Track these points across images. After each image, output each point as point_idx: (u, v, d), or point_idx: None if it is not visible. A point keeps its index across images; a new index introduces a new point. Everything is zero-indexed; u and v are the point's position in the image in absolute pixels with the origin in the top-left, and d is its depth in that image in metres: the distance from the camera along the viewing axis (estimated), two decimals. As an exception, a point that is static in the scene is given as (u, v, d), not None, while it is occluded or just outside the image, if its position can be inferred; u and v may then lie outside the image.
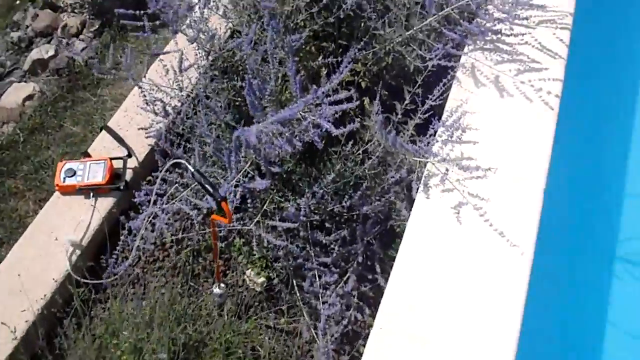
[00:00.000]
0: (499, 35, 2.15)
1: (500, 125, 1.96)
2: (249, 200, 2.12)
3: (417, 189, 1.84)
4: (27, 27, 3.84)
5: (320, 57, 2.42)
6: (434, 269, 1.69)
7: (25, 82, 3.59)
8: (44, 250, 2.20)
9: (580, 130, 2.56)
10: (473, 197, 1.79)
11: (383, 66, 2.39)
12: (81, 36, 3.77)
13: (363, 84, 2.48)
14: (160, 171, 1.89)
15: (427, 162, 1.87)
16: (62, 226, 2.27)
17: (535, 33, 2.17)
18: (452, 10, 2.04)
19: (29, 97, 3.45)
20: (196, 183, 1.89)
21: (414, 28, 2.19)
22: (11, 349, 1.96)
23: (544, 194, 1.79)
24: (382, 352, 1.56)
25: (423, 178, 1.86)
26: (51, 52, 3.65)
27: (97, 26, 3.77)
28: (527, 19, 2.13)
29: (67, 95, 3.44)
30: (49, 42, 3.76)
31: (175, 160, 1.85)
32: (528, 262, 1.66)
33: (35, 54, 3.64)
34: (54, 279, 2.14)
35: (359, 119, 2.41)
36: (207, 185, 1.72)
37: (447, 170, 1.82)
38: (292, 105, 1.90)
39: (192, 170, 1.75)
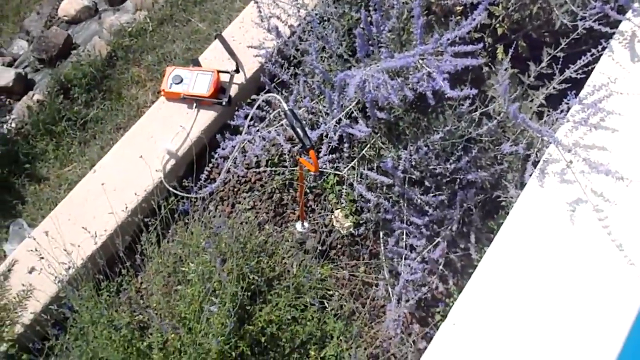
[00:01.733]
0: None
1: (652, 114, 1.64)
2: (346, 144, 1.99)
3: (531, 174, 1.60)
4: None
5: (457, -7, 2.15)
6: (529, 270, 1.49)
7: (163, -30, 3.56)
8: (141, 153, 2.22)
9: None
10: (596, 197, 1.53)
11: (526, 14, 2.07)
12: None
13: (499, 30, 2.18)
14: (254, 106, 1.79)
15: (550, 144, 1.61)
16: (162, 132, 2.28)
17: None
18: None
19: (163, -13, 3.44)
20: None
21: (572, -24, 1.84)
22: (91, 252, 2.03)
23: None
24: (450, 350, 1.42)
25: (541, 162, 1.62)
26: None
27: None
28: None
29: (199, -11, 3.39)
30: None
31: (269, 96, 1.73)
32: (643, 286, 1.42)
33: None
34: (145, 184, 2.16)
35: (487, 69, 2.15)
36: (298, 129, 1.60)
37: (570, 162, 1.56)
38: (406, 53, 1.70)
39: (286, 109, 1.63)
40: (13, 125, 3.00)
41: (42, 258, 1.87)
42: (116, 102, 2.99)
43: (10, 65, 3.34)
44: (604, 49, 1.66)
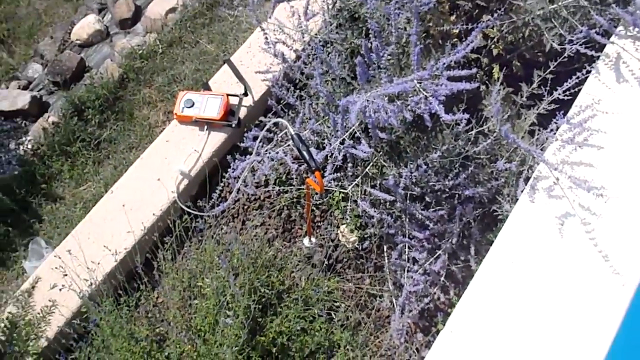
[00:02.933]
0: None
1: (634, 133, 1.75)
2: (350, 163, 2.10)
3: (522, 190, 1.71)
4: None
5: (454, 17, 2.26)
6: (521, 280, 1.60)
7: (171, -6, 3.69)
8: (156, 175, 2.34)
9: None
10: (583, 210, 1.64)
11: (519, 37, 2.19)
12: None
13: (495, 51, 2.29)
14: (262, 129, 1.91)
15: (540, 162, 1.72)
16: (176, 154, 2.40)
17: None
18: (607, -10, 1.80)
19: (172, 10, 3.57)
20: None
21: (559, 2, 1.96)
22: (110, 268, 2.15)
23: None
24: (448, 356, 1.53)
25: (532, 179, 1.73)
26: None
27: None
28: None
29: (206, 12, 3.52)
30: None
31: (276, 120, 1.85)
32: (629, 295, 1.52)
33: (181, -34, 3.71)
34: (160, 204, 2.28)
35: (484, 87, 2.26)
36: (304, 152, 1.72)
37: (557, 179, 1.67)
38: (404, 79, 1.81)
39: (293, 133, 1.75)
40: (29, 146, 3.13)
41: (66, 275, 1.99)
42: (128, 123, 3.12)
43: (25, 88, 3.48)
44: (588, 72, 1.77)
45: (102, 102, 3.17)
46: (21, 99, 3.31)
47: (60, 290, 1.99)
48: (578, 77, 1.76)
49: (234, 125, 2.40)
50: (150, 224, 2.24)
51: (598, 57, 1.86)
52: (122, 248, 2.19)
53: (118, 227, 2.24)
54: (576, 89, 1.83)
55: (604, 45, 1.90)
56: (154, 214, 2.26)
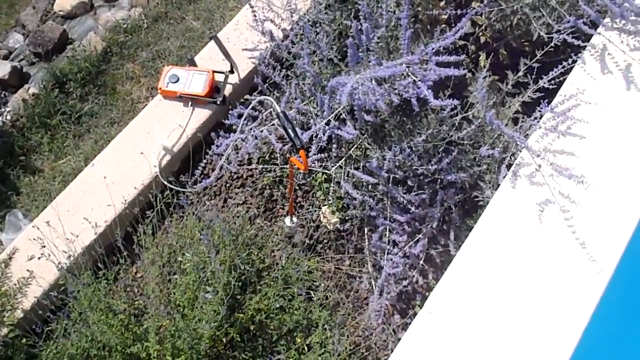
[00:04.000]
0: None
1: (617, 124, 1.77)
2: (334, 144, 2.10)
3: (504, 176, 1.73)
4: None
5: (443, 2, 2.27)
6: (500, 265, 1.63)
7: (156, -32, 3.63)
8: (139, 149, 2.32)
9: None
10: (563, 198, 1.67)
11: (507, 25, 2.20)
12: None
13: (482, 38, 2.30)
14: (247, 107, 1.90)
15: (522, 148, 1.74)
16: (159, 129, 2.38)
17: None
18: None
19: (158, -16, 3.51)
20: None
21: (549, -9, 1.97)
22: (90, 241, 2.13)
23: (643, 213, 1.64)
24: (425, 337, 1.55)
25: (514, 165, 1.75)
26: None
27: None
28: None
29: (193, -13, 3.47)
30: None
31: (262, 98, 1.84)
32: (604, 281, 1.55)
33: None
34: (142, 178, 2.26)
35: (470, 74, 2.27)
36: (289, 130, 1.72)
37: (539, 165, 1.70)
38: (393, 62, 1.82)
39: (279, 111, 1.75)
40: (8, 117, 3.07)
41: (44, 246, 1.97)
42: (111, 97, 3.08)
43: (5, 58, 3.41)
44: (574, 62, 1.79)
45: (84, 76, 3.13)
46: (1, 69, 3.25)
47: (39, 259, 1.96)
48: (564, 67, 1.78)
49: (219, 102, 2.39)
50: (132, 198, 2.22)
51: (584, 48, 1.88)
52: (102, 221, 2.17)
53: (98, 200, 2.22)
54: (561, 79, 1.85)
55: (591, 36, 1.92)
56: (135, 188, 2.24)
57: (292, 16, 2.32)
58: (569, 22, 1.88)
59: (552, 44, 1.92)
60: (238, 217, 2.16)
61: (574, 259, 1.59)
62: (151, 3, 3.48)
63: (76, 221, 2.15)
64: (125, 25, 3.33)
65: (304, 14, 2.35)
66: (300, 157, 1.75)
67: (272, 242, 2.18)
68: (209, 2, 3.39)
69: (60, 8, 3.51)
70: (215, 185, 2.38)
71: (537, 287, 1.58)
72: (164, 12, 3.40)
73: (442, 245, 2.19)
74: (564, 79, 1.86)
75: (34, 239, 1.99)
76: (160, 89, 2.41)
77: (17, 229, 2.52)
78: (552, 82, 1.84)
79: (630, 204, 1.65)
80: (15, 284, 2.05)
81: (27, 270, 1.96)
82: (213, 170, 2.30)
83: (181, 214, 2.25)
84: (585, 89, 1.82)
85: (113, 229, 2.10)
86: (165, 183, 2.24)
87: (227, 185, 2.38)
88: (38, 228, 2.00)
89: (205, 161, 2.27)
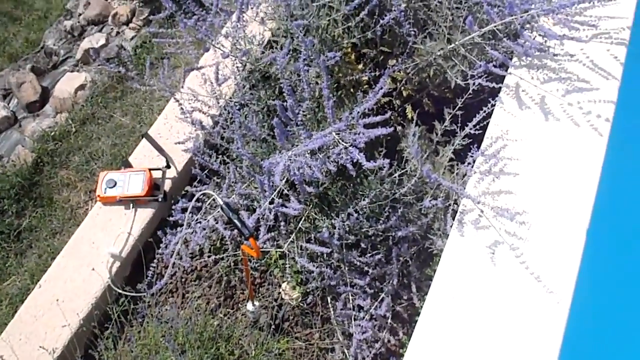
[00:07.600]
0: (547, 52, 2.01)
1: (543, 156, 1.85)
2: (282, 221, 2.11)
3: (451, 225, 1.77)
4: (80, 15, 3.88)
5: (361, 65, 2.35)
6: (464, 312, 1.64)
7: (78, 71, 3.65)
8: (86, 261, 2.27)
9: (633, 161, 2.32)
10: (510, 236, 1.72)
11: (425, 77, 2.29)
12: (131, 24, 3.78)
13: (405, 92, 2.39)
14: (191, 200, 1.89)
15: (463, 197, 1.79)
16: (103, 236, 2.33)
17: (586, 48, 2.02)
18: (496, 27, 1.92)
19: (81, 87, 3.52)
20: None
21: (456, 42, 2.07)
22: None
23: (587, 236, 1.69)
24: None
25: (458, 213, 1.79)
26: (102, 41, 3.68)
27: (146, 14, 3.76)
28: (578, 29, 1.96)
29: (117, 86, 3.49)
30: (100, 31, 3.79)
31: (203, 192, 1.84)
32: (564, 311, 1.59)
33: (86, 43, 3.69)
34: (94, 291, 2.20)
35: (400, 128, 2.34)
36: (235, 221, 1.71)
37: (482, 211, 1.75)
38: (322, 132, 1.86)
39: (221, 203, 1.75)
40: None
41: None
42: (48, 208, 3.01)
43: None
44: (493, 106, 1.87)
45: (18, 190, 3.06)
46: None
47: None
48: (485, 111, 1.85)
49: (160, 199, 2.37)
50: (86, 314, 2.15)
51: (500, 89, 1.97)
52: (58, 344, 2.08)
53: (51, 322, 2.14)
54: (486, 122, 1.93)
55: (504, 77, 2.02)
56: (88, 303, 2.17)
57: (218, 102, 2.35)
58: (480, 67, 1.98)
59: (470, 90, 2.01)
60: (199, 311, 2.12)
61: (533, 294, 1.63)
62: (76, 106, 3.47)
63: (31, 349, 2.06)
64: (52, 133, 3.30)
65: (230, 98, 2.38)
66: (251, 244, 1.74)
67: (238, 331, 2.14)
68: (135, 97, 3.41)
69: (-18, 127, 3.45)
70: (171, 283, 2.34)
71: (503, 326, 1.60)
72: (91, 113, 3.39)
73: (405, 299, 2.20)
74: (488, 122, 1.94)
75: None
76: (98, 196, 2.38)
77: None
78: (477, 126, 1.91)
79: (572, 229, 1.71)
80: None
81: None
82: (166, 268, 2.26)
83: (140, 320, 2.19)
84: (508, 128, 1.90)
85: (72, 350, 2.03)
86: (120, 291, 2.18)
87: (183, 280, 2.34)
88: (-8, 366, 1.91)
89: (156, 261, 2.23)
